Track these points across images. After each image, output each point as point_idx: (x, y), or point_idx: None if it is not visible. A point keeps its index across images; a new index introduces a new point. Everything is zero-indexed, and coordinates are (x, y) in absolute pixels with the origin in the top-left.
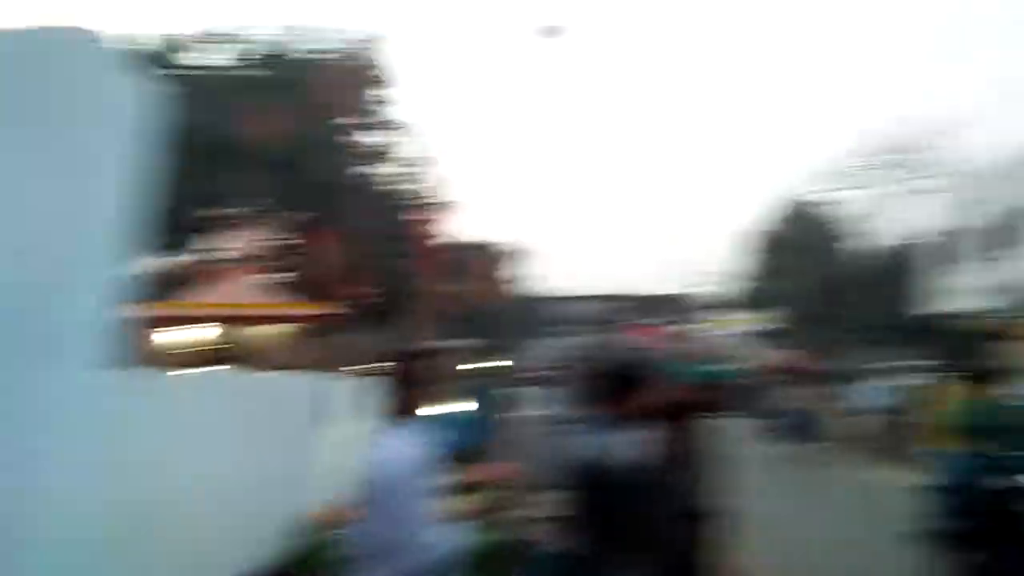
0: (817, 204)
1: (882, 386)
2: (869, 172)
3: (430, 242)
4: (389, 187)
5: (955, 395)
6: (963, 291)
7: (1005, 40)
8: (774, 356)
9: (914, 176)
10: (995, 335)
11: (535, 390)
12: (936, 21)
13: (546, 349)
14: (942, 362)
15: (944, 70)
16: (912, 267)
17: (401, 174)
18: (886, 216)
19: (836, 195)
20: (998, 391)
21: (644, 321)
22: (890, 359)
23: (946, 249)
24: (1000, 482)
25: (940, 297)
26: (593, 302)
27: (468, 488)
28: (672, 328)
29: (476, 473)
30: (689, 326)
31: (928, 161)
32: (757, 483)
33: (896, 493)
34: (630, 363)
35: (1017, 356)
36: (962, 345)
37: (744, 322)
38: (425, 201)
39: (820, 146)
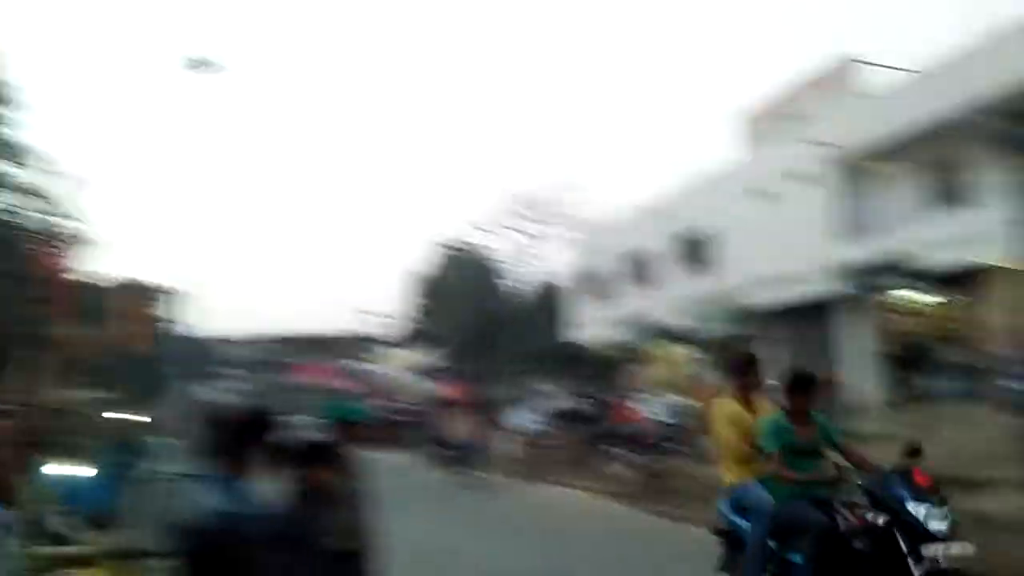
0: (472, 249)
1: (537, 410)
2: (514, 221)
3: (60, 281)
4: (10, 219)
5: (733, 412)
6: (596, 323)
7: (629, 114)
8: (438, 389)
9: (550, 225)
10: (627, 360)
11: (174, 443)
12: (569, 96)
13: (193, 397)
14: (586, 384)
15: (574, 137)
16: (553, 304)
17: (27, 206)
18: (529, 260)
19: (487, 241)
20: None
21: (311, 361)
22: (541, 385)
23: (579, 288)
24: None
25: (578, 329)
26: (257, 344)
27: (90, 560)
28: (339, 367)
29: (100, 542)
30: (356, 364)
31: (560, 213)
32: (424, 515)
33: (569, 514)
34: (257, 411)
35: (650, 378)
36: (602, 369)
37: (410, 359)
38: (56, 236)
39: (474, 197)
